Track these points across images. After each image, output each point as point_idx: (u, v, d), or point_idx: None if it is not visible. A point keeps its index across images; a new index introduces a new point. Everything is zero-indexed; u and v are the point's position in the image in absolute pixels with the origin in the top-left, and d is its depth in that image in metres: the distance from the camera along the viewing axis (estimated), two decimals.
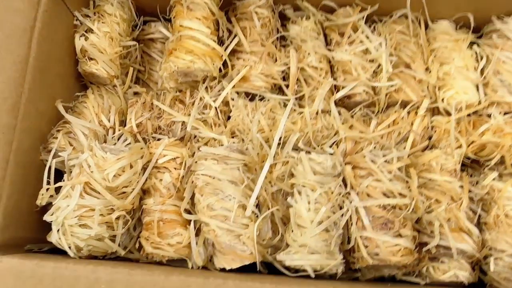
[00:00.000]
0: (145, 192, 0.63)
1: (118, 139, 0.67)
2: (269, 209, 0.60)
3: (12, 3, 0.57)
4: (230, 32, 0.72)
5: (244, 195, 0.58)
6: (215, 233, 0.57)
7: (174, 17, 0.69)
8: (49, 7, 0.61)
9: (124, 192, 0.59)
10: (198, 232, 0.60)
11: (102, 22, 0.70)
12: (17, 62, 0.57)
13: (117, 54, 0.70)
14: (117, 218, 0.58)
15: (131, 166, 0.59)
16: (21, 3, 0.58)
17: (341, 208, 0.60)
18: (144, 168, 0.62)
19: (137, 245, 0.63)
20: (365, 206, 0.59)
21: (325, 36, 0.75)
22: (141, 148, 0.62)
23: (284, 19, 0.76)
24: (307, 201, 0.58)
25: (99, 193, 0.57)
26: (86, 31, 0.69)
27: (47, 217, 0.58)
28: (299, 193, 0.59)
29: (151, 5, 0.75)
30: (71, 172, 0.61)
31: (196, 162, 0.59)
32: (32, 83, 0.59)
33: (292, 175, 0.62)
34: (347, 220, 0.60)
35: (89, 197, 0.57)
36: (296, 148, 0.66)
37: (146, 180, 0.62)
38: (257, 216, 0.58)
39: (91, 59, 0.68)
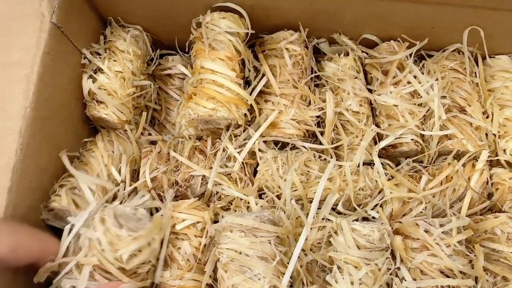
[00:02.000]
0: None
1: (129, 195, 0.59)
2: (303, 284, 0.52)
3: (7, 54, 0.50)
4: (257, 70, 0.63)
5: (276, 273, 0.48)
6: None
7: (194, 56, 0.60)
8: (51, 48, 0.53)
9: (137, 272, 0.50)
10: None
11: (114, 60, 0.62)
12: (9, 117, 0.49)
13: (130, 96, 0.61)
14: None
15: (149, 244, 0.50)
16: (17, 51, 0.50)
17: (389, 286, 0.51)
18: None
19: None
20: (419, 287, 0.49)
21: (365, 73, 0.66)
22: (161, 216, 0.53)
23: (318, 53, 0.67)
24: (350, 282, 0.49)
25: (110, 273, 0.48)
26: (95, 71, 0.61)
27: None
28: (340, 270, 0.50)
29: (169, 38, 0.68)
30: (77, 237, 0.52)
31: (219, 231, 0.50)
32: (31, 137, 0.51)
33: (329, 242, 0.53)
34: None
35: (100, 277, 0.48)
36: (333, 208, 0.57)
37: None
38: None
39: (100, 102, 0.60)
